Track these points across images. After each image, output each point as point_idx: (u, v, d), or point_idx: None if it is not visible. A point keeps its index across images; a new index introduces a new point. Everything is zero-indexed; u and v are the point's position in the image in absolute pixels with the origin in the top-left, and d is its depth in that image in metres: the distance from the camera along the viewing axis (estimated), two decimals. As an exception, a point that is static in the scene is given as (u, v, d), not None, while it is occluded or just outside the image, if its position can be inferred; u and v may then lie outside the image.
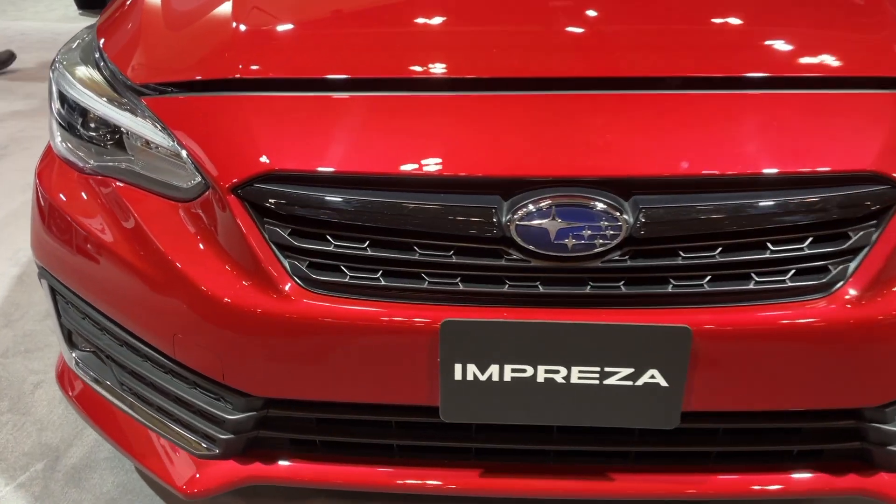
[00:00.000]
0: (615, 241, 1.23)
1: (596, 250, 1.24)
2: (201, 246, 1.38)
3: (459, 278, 1.29)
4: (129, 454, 1.61)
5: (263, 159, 1.30)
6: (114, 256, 1.45)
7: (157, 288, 1.40)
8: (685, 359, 1.26)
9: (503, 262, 1.27)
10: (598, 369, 1.28)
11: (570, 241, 1.23)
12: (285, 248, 1.32)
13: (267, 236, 1.32)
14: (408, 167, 1.28)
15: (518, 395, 1.31)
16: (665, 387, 1.28)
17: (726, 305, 1.27)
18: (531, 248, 1.24)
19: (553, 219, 1.22)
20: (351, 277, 1.31)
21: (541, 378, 1.29)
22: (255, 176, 1.30)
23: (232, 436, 1.45)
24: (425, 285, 1.29)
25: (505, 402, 1.32)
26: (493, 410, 1.34)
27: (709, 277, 1.27)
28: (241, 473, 1.48)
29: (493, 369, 1.30)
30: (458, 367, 1.30)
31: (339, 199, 1.28)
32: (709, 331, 1.25)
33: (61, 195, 1.58)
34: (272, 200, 1.30)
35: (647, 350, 1.26)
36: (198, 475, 1.49)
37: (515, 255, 1.26)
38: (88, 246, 1.49)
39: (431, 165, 1.27)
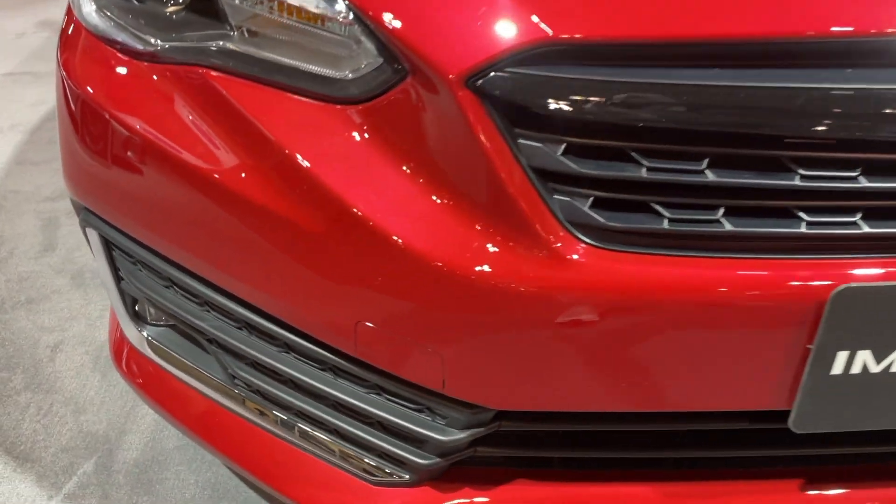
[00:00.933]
0: None
1: None
2: (386, 177, 0.83)
3: (860, 214, 0.78)
4: (248, 470, 1.11)
5: (535, 23, 0.74)
6: (230, 195, 0.89)
7: (318, 249, 0.85)
8: None
9: None
10: None
11: None
12: (555, 178, 0.78)
13: (523, 159, 0.78)
14: (793, 24, 0.73)
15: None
16: None
17: None
18: None
19: None
20: (671, 223, 0.79)
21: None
22: (513, 53, 0.74)
23: (437, 460, 0.96)
24: (802, 229, 0.78)
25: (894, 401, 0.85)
26: (873, 414, 0.87)
27: None
28: (445, 505, 1.00)
29: (896, 355, 0.82)
30: (841, 356, 0.81)
31: (666, 87, 0.74)
32: None
33: (111, 92, 0.99)
34: (543, 96, 0.75)
35: None
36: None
37: None
38: (179, 174, 0.92)
39: (833, 21, 0.73)
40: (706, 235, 0.78)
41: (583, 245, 0.79)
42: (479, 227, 0.80)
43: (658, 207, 0.78)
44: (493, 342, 0.82)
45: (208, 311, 1.02)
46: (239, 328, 1.01)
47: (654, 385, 0.84)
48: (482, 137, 0.77)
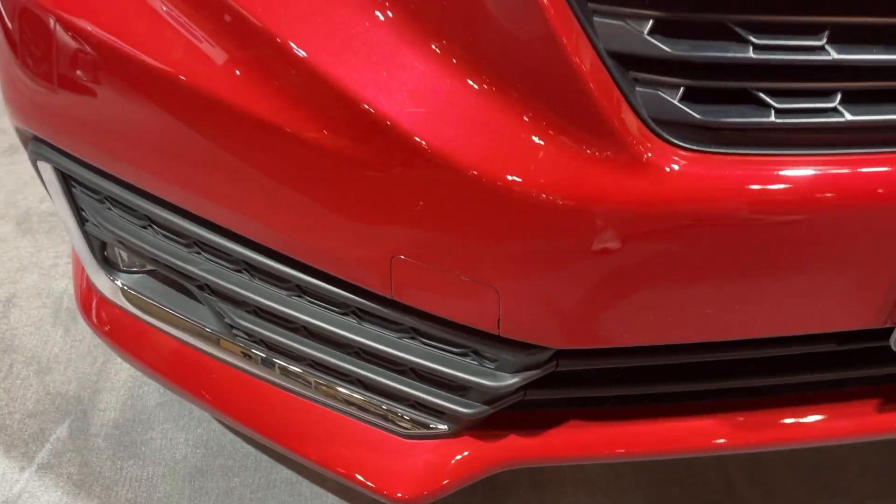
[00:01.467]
0: None
1: None
2: (418, 68, 0.66)
3: None
4: (252, 429, 0.97)
5: None
6: (221, 102, 0.71)
7: (336, 166, 0.69)
8: None
9: None
10: None
11: None
12: (638, 65, 0.63)
13: (599, 41, 0.62)
14: None
15: None
16: None
17: None
18: None
19: None
20: (779, 114, 0.64)
21: None
22: None
23: (483, 407, 0.83)
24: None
25: None
26: None
27: None
28: (493, 458, 0.88)
29: None
30: (963, 262, 0.70)
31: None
32: None
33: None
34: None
35: None
36: (417, 467, 0.87)
37: None
38: (155, 77, 0.73)
39: None
40: (821, 128, 0.65)
41: (673, 147, 0.64)
42: (538, 132, 0.65)
43: (763, 96, 0.64)
44: (561, 272, 0.68)
45: (198, 254, 0.86)
46: (238, 271, 0.85)
47: (750, 311, 0.72)
48: (548, 12, 0.60)
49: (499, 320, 0.72)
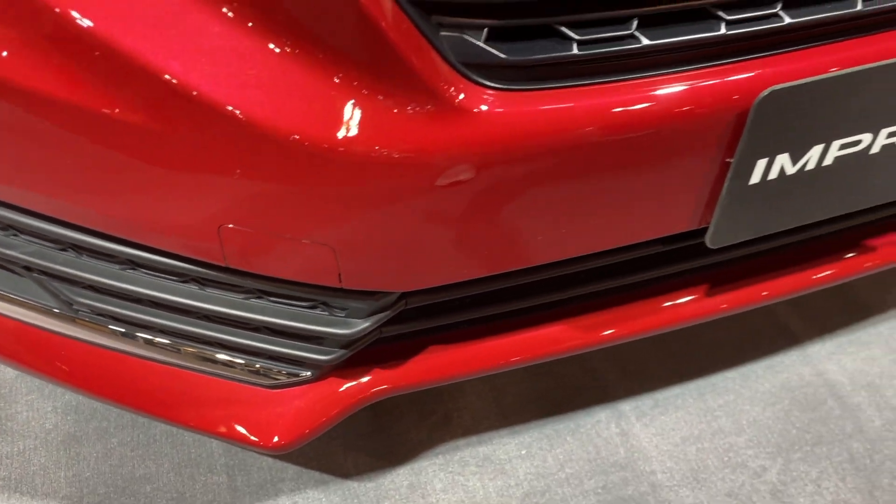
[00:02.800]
0: None
1: None
2: (206, 30, 0.63)
3: (780, 4, 0.68)
4: (115, 402, 0.95)
5: None
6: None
7: (140, 141, 0.65)
8: None
9: None
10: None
11: None
12: (439, 8, 0.62)
13: (397, -8, 0.60)
14: None
15: (830, 183, 0.80)
16: None
17: None
18: None
19: None
20: (581, 45, 0.65)
21: (877, 147, 0.78)
22: None
23: (341, 352, 0.85)
24: (722, 30, 0.67)
25: (806, 199, 0.81)
26: (785, 215, 0.83)
27: None
28: (360, 393, 0.90)
29: (814, 153, 0.76)
30: (760, 165, 0.75)
31: None
32: None
33: None
34: None
35: None
36: (290, 414, 0.89)
37: None
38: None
39: None
40: (621, 55, 0.66)
41: (483, 88, 0.65)
42: (351, 91, 0.64)
43: (565, 30, 0.64)
44: (392, 225, 0.69)
45: (16, 236, 0.81)
46: (63, 250, 0.81)
47: (570, 233, 0.75)
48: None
49: (339, 275, 0.73)
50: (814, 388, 1.31)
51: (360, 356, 0.92)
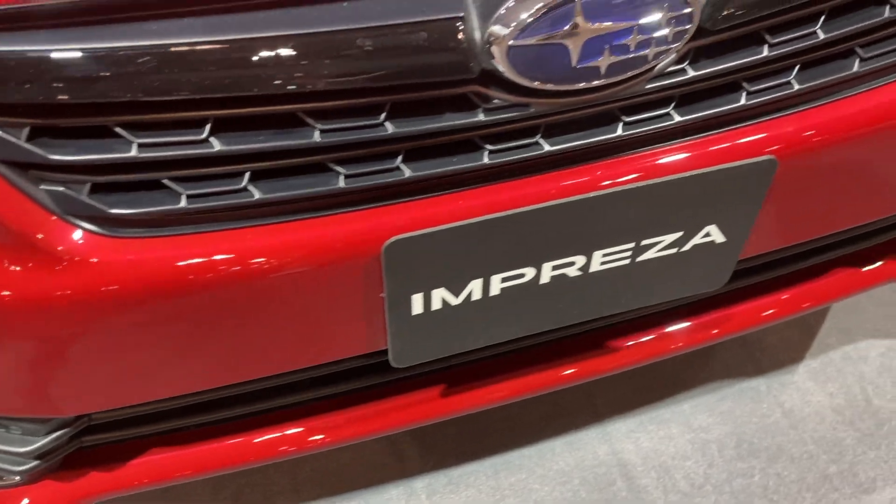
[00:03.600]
0: (680, 42, 0.68)
1: (645, 66, 0.68)
2: None
3: (400, 157, 0.70)
4: None
5: None
6: None
7: None
8: (759, 200, 0.82)
9: (481, 118, 0.69)
10: (632, 245, 0.81)
11: (604, 61, 0.66)
12: (36, 167, 0.63)
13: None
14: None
15: (508, 308, 0.82)
16: (721, 243, 0.85)
17: (818, 104, 0.81)
18: (532, 83, 0.66)
19: (574, 30, 0.64)
20: (191, 199, 0.67)
21: (546, 278, 0.80)
22: None
23: (35, 462, 0.86)
24: (341, 183, 0.69)
25: (488, 322, 0.83)
26: (470, 336, 0.85)
27: (798, 68, 0.78)
28: (75, 496, 0.91)
29: (474, 286, 0.78)
30: (417, 298, 0.76)
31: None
32: (796, 147, 0.80)
33: None
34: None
35: (708, 202, 0.80)
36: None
37: (500, 97, 0.68)
38: None
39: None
40: (232, 207, 0.68)
41: (97, 236, 0.66)
42: None
43: (172, 184, 0.66)
44: (15, 361, 0.70)
45: None
46: None
47: (244, 358, 0.77)
48: None
49: (-10, 405, 0.74)
50: (606, 467, 1.33)
51: (83, 458, 0.93)
